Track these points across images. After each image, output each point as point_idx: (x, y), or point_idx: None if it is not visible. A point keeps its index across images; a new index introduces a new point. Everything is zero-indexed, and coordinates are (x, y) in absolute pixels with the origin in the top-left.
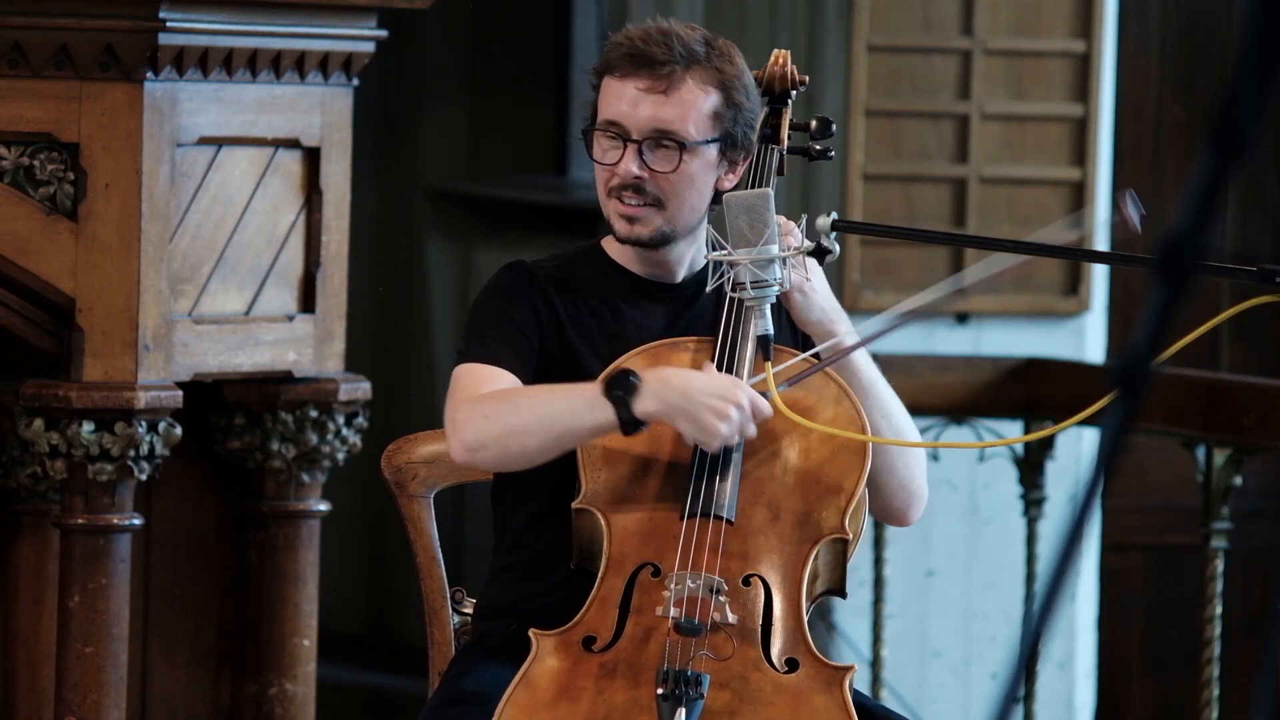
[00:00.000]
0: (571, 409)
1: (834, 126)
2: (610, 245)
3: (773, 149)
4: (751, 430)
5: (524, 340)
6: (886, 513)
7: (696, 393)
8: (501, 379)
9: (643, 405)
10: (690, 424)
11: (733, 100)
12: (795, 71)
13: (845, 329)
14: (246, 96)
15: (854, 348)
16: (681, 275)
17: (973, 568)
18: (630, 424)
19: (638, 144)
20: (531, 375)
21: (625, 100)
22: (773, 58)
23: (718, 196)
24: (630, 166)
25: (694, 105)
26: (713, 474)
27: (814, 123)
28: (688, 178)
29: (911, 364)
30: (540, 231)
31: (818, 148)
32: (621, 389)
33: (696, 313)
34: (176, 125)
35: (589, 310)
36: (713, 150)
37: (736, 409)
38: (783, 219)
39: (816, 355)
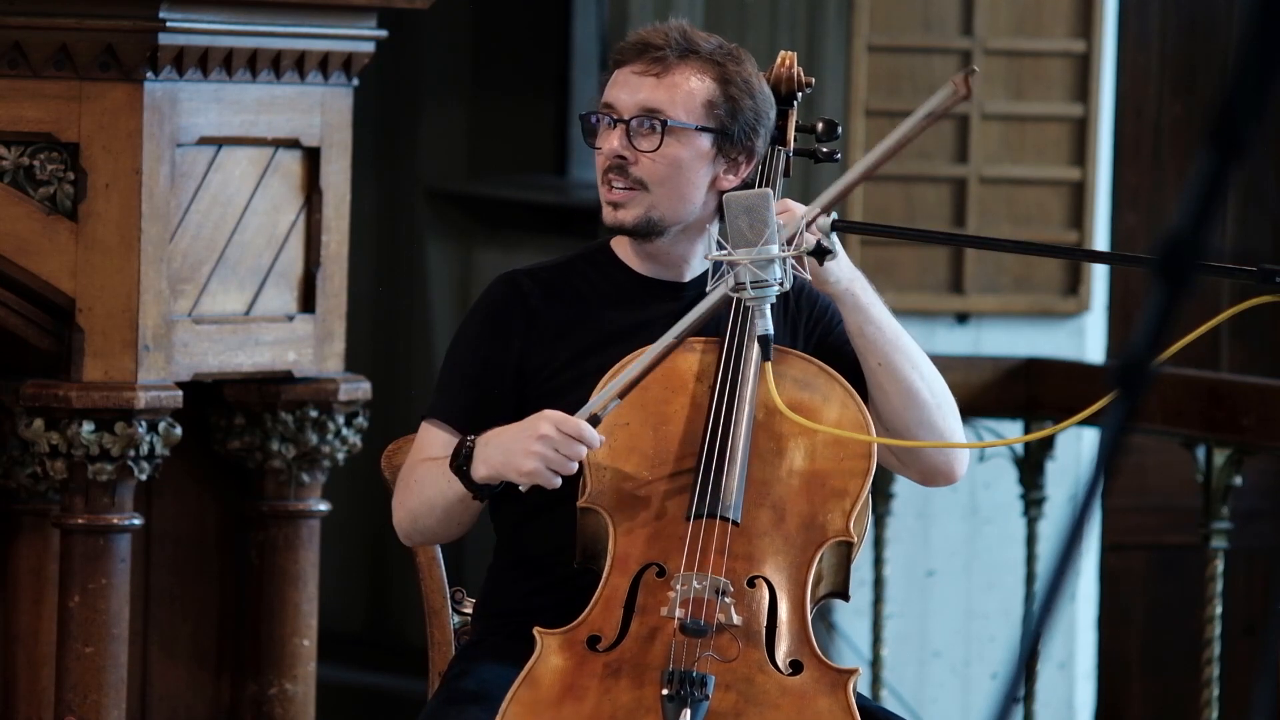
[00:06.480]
0: (439, 486)
1: (840, 129)
2: (617, 245)
3: (779, 151)
4: (576, 450)
5: (491, 382)
6: (933, 472)
7: (509, 442)
8: (445, 444)
9: (476, 471)
10: (515, 473)
11: (730, 95)
12: (801, 73)
13: (861, 285)
14: (246, 96)
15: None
16: (689, 275)
17: (973, 568)
18: (479, 490)
19: (626, 124)
20: (495, 416)
21: (620, 85)
22: (779, 59)
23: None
24: (614, 144)
25: (685, 89)
26: (718, 475)
27: (820, 125)
28: (673, 162)
29: None
30: (540, 232)
31: (824, 150)
32: (461, 459)
33: None
34: (176, 125)
35: (583, 315)
36: (704, 140)
37: (540, 440)
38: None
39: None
